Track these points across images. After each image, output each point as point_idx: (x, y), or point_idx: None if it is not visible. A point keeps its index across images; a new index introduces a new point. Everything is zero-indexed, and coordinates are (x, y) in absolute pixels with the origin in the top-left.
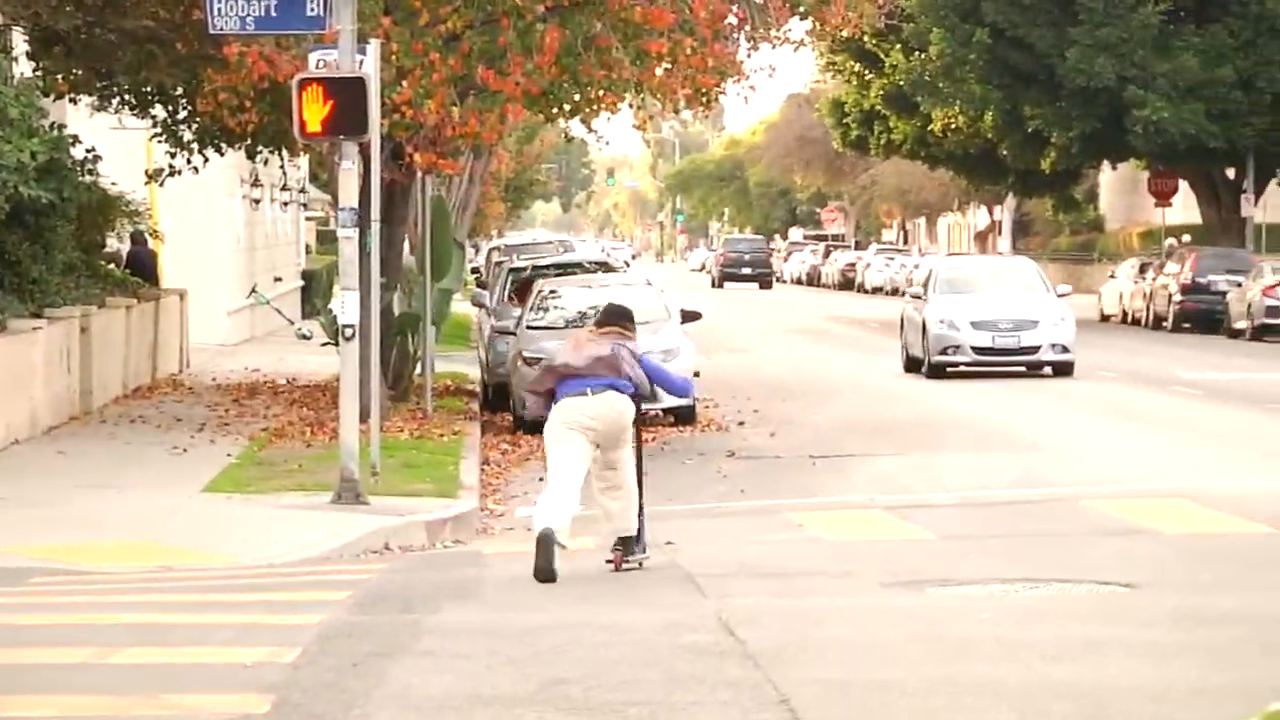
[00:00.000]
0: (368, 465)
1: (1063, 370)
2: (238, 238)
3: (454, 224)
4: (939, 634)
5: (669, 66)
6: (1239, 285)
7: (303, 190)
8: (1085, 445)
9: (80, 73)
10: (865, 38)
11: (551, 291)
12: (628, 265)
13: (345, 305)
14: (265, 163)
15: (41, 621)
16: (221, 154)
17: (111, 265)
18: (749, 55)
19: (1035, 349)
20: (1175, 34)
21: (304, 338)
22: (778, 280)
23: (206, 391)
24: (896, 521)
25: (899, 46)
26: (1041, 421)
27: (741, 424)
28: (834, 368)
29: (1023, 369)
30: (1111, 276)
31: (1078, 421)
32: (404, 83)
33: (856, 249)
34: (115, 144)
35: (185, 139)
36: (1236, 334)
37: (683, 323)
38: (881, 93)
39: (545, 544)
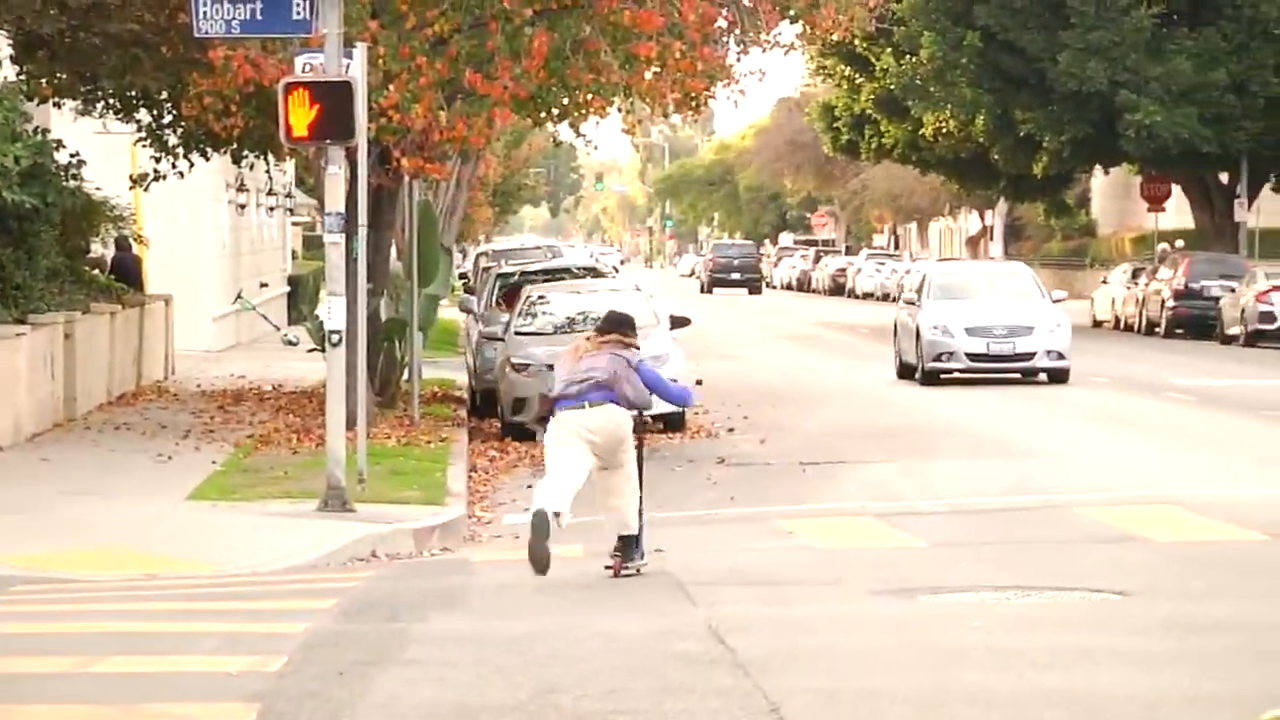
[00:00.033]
0: (354, 472)
1: (1058, 377)
2: (223, 243)
3: (441, 229)
4: (930, 642)
5: (658, 70)
6: (1232, 291)
7: (289, 195)
8: (1078, 452)
9: (64, 77)
10: (856, 41)
11: (539, 297)
12: (616, 271)
13: (332, 311)
14: (251, 167)
15: (23, 630)
16: (207, 159)
17: (96, 271)
18: (739, 59)
19: (1031, 355)
20: (1168, 37)
21: (290, 344)
22: (768, 286)
23: (192, 398)
24: (887, 529)
25: (890, 50)
26: (1034, 428)
27: (731, 430)
28: (825, 374)
29: (1018, 376)
30: (1104, 282)
31: (1070, 428)
32: (391, 87)
33: (847, 254)
34: (100, 149)
35: (170, 143)
36: (1230, 340)
37: (672, 329)
38: (872, 97)
39: (540, 523)
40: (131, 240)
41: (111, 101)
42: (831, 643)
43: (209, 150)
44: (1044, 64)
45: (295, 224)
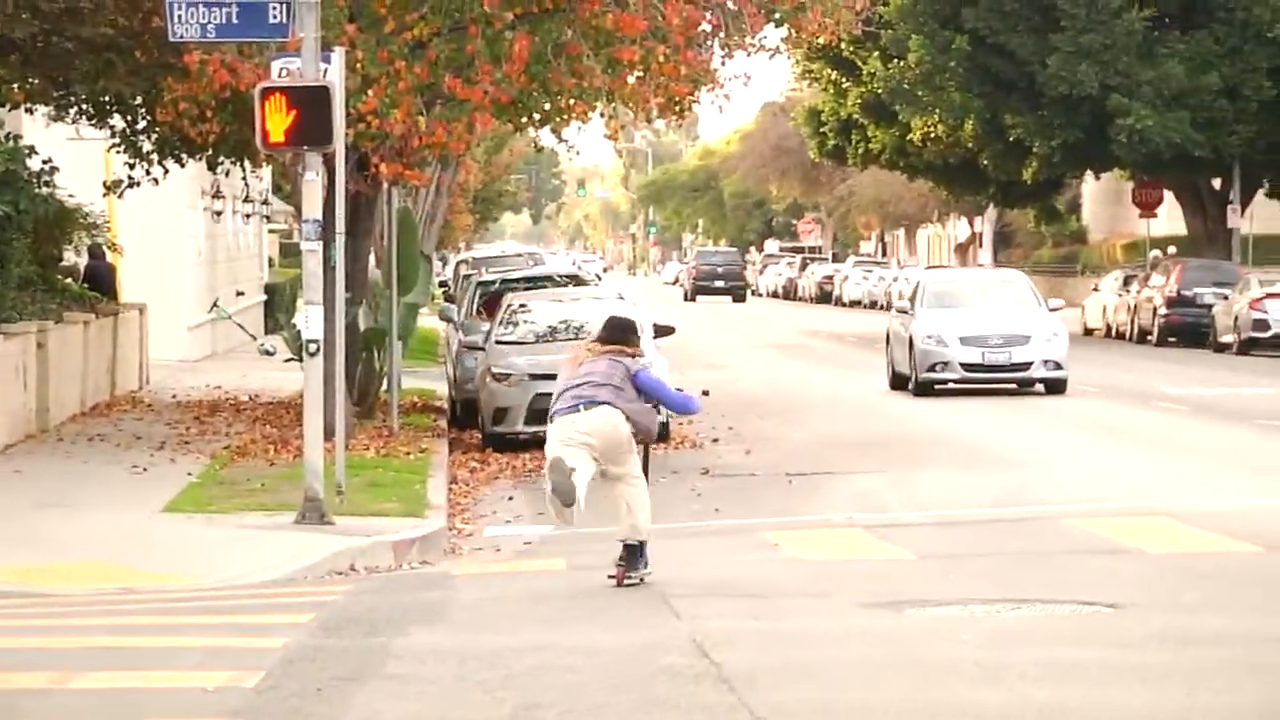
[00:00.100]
0: (332, 484)
1: (1055, 388)
2: (199, 251)
3: (421, 236)
4: (919, 656)
5: (641, 74)
6: (1225, 298)
7: (265, 202)
8: (1069, 462)
9: (37, 82)
10: (842, 45)
11: (521, 306)
12: (599, 278)
13: (309, 320)
14: (227, 174)
15: None
16: (182, 165)
17: (69, 279)
18: (723, 63)
19: (1027, 365)
20: (1159, 41)
21: (267, 353)
22: (753, 293)
23: (167, 409)
24: (875, 541)
25: (877, 54)
26: (1024, 438)
27: (716, 441)
28: (812, 383)
29: (1014, 386)
30: (1095, 289)
31: (1062, 438)
32: (369, 91)
33: (834, 261)
34: (73, 155)
35: (145, 149)
36: (1223, 348)
37: (655, 338)
38: (859, 101)
39: (559, 463)
40: (105, 248)
41: (85, 107)
42: (818, 657)
43: (184, 156)
44: (1034, 68)
45: (272, 231)
